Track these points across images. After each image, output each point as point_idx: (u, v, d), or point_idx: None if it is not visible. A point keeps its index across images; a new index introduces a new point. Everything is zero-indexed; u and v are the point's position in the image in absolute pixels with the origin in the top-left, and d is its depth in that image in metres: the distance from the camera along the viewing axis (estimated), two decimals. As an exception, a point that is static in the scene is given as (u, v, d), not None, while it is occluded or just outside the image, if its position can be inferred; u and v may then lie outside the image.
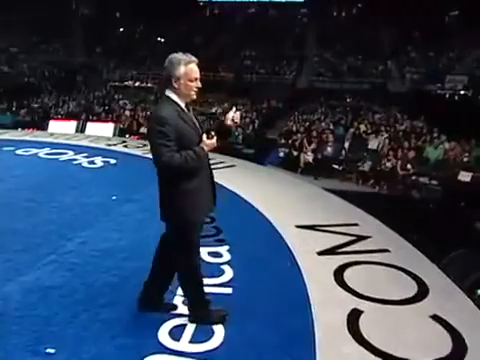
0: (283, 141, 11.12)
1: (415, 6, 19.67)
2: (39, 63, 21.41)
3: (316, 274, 3.98)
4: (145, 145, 9.52)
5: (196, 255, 3.01)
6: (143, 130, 12.41)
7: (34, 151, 8.19)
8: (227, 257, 4.24)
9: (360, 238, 4.89)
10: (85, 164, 7.62)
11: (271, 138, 12.13)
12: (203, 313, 3.13)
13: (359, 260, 4.30)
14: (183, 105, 2.79)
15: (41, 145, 8.88)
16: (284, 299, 3.53)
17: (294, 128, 12.14)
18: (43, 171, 5.77)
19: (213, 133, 2.81)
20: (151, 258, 4.05)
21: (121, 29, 25.67)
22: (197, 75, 2.75)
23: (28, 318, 3.08)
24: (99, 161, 7.81)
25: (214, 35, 22.32)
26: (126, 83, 21.31)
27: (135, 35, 25.02)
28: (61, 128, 11.37)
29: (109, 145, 9.39)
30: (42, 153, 8.19)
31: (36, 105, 15.69)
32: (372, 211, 5.85)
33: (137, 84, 21.25)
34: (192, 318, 3.14)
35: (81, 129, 11.28)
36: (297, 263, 4.19)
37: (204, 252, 4.25)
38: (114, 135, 11.06)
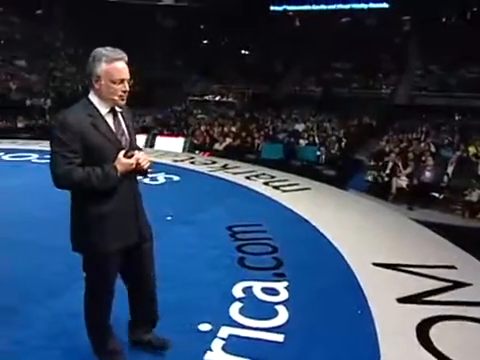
0: (372, 163, 10.55)
1: None
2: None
3: (393, 328, 3.46)
4: (214, 162, 9.53)
5: (105, 293, 2.64)
6: (217, 146, 12.57)
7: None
8: (284, 296, 3.89)
9: (457, 285, 4.25)
10: (146, 180, 7.73)
11: (358, 159, 11.54)
12: None
13: (453, 314, 3.69)
14: (105, 111, 2.44)
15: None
16: (348, 357, 3.09)
17: (387, 148, 11.46)
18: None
19: (132, 152, 2.44)
20: (197, 290, 3.90)
21: (204, 41, 26.70)
22: (123, 76, 2.38)
23: (50, 350, 3.00)
24: (161, 177, 7.92)
25: (301, 46, 22.24)
26: (206, 97, 22.03)
27: (218, 47, 25.85)
28: (130, 142, 11.82)
29: (175, 161, 9.56)
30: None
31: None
32: (477, 252, 5.12)
33: (217, 98, 21.85)
34: None
35: (150, 143, 11.71)
36: (370, 310, 3.70)
37: (257, 287, 3.98)
38: (184, 150, 11.30)
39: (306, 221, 5.99)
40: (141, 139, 11.94)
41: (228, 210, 6.19)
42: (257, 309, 3.61)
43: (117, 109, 2.50)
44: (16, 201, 5.81)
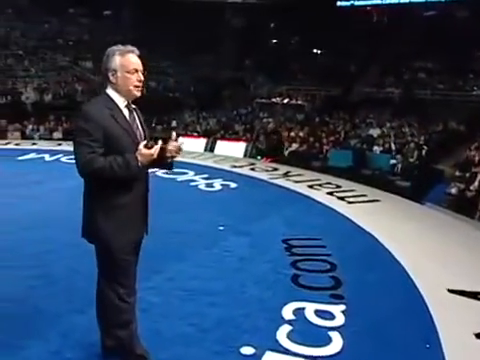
0: (458, 174, 9.89)
1: None
2: (187, 78, 23.53)
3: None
4: (275, 169, 9.42)
5: (120, 287, 2.76)
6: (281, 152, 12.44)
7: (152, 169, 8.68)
8: (340, 321, 3.69)
9: None
10: (202, 186, 7.83)
11: (438, 169, 10.87)
12: None
13: None
14: (122, 104, 2.70)
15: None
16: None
17: (477, 158, 10.71)
18: (155, 191, 6.05)
19: (153, 143, 2.61)
20: (242, 308, 3.79)
21: (274, 40, 26.73)
22: (137, 66, 2.67)
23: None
24: (218, 184, 7.95)
25: (380, 45, 21.58)
26: (274, 100, 21.96)
27: (289, 47, 25.76)
28: (189, 146, 11.95)
29: (234, 166, 9.56)
30: (160, 171, 8.57)
31: (174, 122, 17.09)
32: None
33: (286, 101, 21.70)
34: None
35: (210, 148, 11.82)
36: (440, 346, 3.38)
37: (311, 309, 3.81)
38: (245, 156, 11.28)
39: (372, 237, 5.70)
40: (201, 143, 12.11)
41: (285, 221, 6.06)
42: (308, 334, 3.45)
43: (132, 106, 2.76)
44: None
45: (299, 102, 21.34)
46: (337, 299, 4.04)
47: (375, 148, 12.57)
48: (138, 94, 2.71)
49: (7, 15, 23.16)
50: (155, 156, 2.59)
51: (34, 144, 11.78)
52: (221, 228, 5.81)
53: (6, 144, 11.72)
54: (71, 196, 4.40)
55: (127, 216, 2.68)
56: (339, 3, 23.78)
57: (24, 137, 13.88)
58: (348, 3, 23.72)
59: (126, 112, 2.71)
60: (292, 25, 24.24)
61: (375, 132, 15.00)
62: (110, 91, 2.69)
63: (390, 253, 5.22)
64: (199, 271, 4.55)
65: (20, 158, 9.78)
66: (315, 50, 25.70)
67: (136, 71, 2.67)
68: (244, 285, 4.28)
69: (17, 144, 11.73)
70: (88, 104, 2.69)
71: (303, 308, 3.83)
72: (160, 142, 2.64)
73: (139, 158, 2.57)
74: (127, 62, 2.65)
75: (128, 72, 2.65)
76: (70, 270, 4.39)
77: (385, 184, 8.83)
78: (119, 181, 2.60)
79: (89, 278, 4.02)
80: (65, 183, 6.82)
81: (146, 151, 2.57)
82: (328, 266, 4.73)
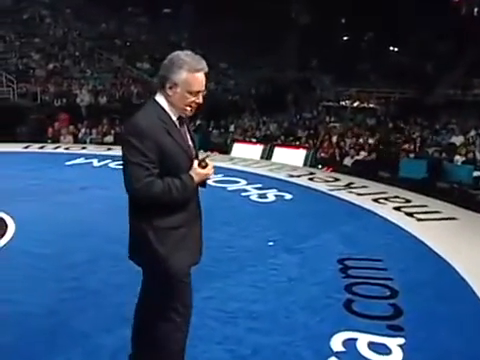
0: None
1: None
2: (247, 79, 23.74)
3: None
4: (337, 179, 9.21)
5: (177, 316, 2.70)
6: (347, 162, 12.19)
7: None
8: (397, 357, 3.48)
9: None
10: (254, 197, 7.77)
11: None
12: None
13: None
14: (174, 117, 2.62)
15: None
16: None
17: None
18: (202, 200, 6.13)
19: (208, 161, 2.61)
20: (284, 335, 3.70)
21: (345, 38, 26.44)
22: (201, 88, 2.57)
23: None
24: (272, 195, 7.86)
25: (466, 40, 20.76)
26: (342, 103, 21.72)
27: (361, 44, 25.37)
28: (245, 152, 12.04)
29: (291, 176, 9.44)
30: (211, 180, 8.54)
31: (232, 126, 17.24)
32: None
33: (356, 104, 21.40)
34: None
35: (267, 155, 11.77)
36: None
37: (363, 341, 3.64)
38: (305, 164, 11.13)
39: (444, 261, 5.37)
40: (257, 150, 12.08)
41: (343, 239, 5.86)
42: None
43: (183, 117, 2.70)
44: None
45: (370, 105, 21.00)
46: (395, 331, 3.82)
47: (457, 158, 12.00)
48: (190, 114, 2.65)
49: (65, 15, 24.47)
50: (211, 175, 2.65)
51: (83, 148, 12.25)
52: (270, 244, 5.72)
53: (55, 148, 12.26)
54: (115, 205, 4.56)
55: (182, 237, 2.64)
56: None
57: (77, 141, 14.48)
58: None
59: (177, 124, 2.66)
60: (368, 20, 23.84)
61: (458, 140, 14.40)
62: (162, 100, 2.61)
63: (465, 282, 4.88)
64: (241, 291, 4.48)
65: (68, 163, 10.19)
66: (391, 47, 25.15)
67: (197, 93, 2.58)
68: (289, 309, 4.16)
69: (66, 148, 12.24)
70: (140, 117, 2.56)
71: (355, 339, 3.66)
72: (209, 161, 2.62)
73: (195, 178, 2.58)
74: (193, 82, 2.54)
75: (189, 92, 2.55)
76: (104, 284, 4.47)
77: (465, 200, 8.34)
78: (173, 202, 2.57)
79: (121, 294, 4.14)
80: (110, 190, 7.00)
81: (201, 171, 2.59)
82: (388, 292, 4.49)
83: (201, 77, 2.56)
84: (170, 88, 2.55)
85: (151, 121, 2.51)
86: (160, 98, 2.60)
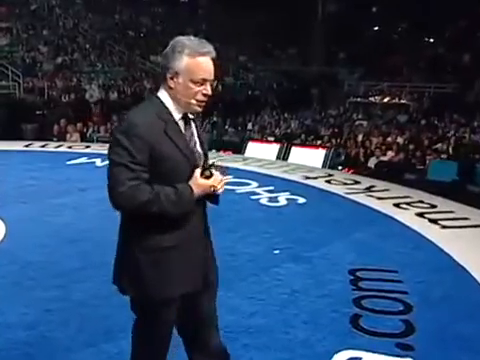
0: None
1: None
2: (268, 73, 23.71)
3: None
4: (357, 182, 9.10)
5: (161, 348, 2.60)
6: (371, 163, 12.11)
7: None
8: (403, 379, 3.40)
9: None
10: (264, 200, 7.71)
11: None
12: None
13: None
14: (178, 115, 2.37)
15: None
16: None
17: None
18: (207, 204, 6.15)
19: (213, 171, 2.35)
20: (283, 352, 3.65)
21: (375, 28, 26.21)
22: (207, 76, 2.31)
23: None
24: (284, 198, 7.79)
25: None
26: (371, 99, 21.51)
27: (393, 36, 25.10)
28: (260, 152, 11.99)
29: (307, 178, 9.35)
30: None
31: (250, 124, 17.22)
32: None
33: (386, 100, 21.18)
34: None
35: (284, 155, 11.69)
36: None
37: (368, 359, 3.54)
38: (324, 166, 11.03)
39: (468, 274, 5.23)
40: (273, 149, 12.02)
41: (356, 247, 5.76)
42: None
43: (190, 116, 2.47)
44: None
45: (402, 101, 20.74)
46: (404, 350, 3.70)
47: (493, 160, 11.79)
48: (199, 110, 2.40)
49: (76, 6, 24.78)
50: (213, 189, 2.37)
51: (88, 147, 12.33)
52: (276, 252, 5.65)
53: (58, 147, 12.38)
54: (112, 209, 4.53)
55: (175, 263, 2.40)
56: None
57: (84, 139, 14.59)
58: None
59: (181, 124, 2.42)
60: (402, 9, 23.55)
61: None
62: (164, 96, 2.38)
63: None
64: (240, 303, 4.42)
65: (69, 163, 10.28)
66: (427, 38, 24.82)
67: (204, 82, 2.33)
68: (290, 324, 4.08)
69: (70, 147, 12.35)
70: (136, 112, 2.37)
71: (358, 358, 3.57)
72: (215, 171, 2.39)
73: (194, 189, 2.32)
74: (196, 68, 2.29)
75: (193, 81, 2.30)
76: (90, 294, 4.44)
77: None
78: (166, 216, 2.31)
79: (107, 306, 4.12)
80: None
81: (203, 181, 2.34)
82: (401, 307, 4.37)
83: (206, 62, 2.31)
84: (171, 79, 2.32)
85: (147, 119, 2.30)
86: (162, 93, 2.39)
